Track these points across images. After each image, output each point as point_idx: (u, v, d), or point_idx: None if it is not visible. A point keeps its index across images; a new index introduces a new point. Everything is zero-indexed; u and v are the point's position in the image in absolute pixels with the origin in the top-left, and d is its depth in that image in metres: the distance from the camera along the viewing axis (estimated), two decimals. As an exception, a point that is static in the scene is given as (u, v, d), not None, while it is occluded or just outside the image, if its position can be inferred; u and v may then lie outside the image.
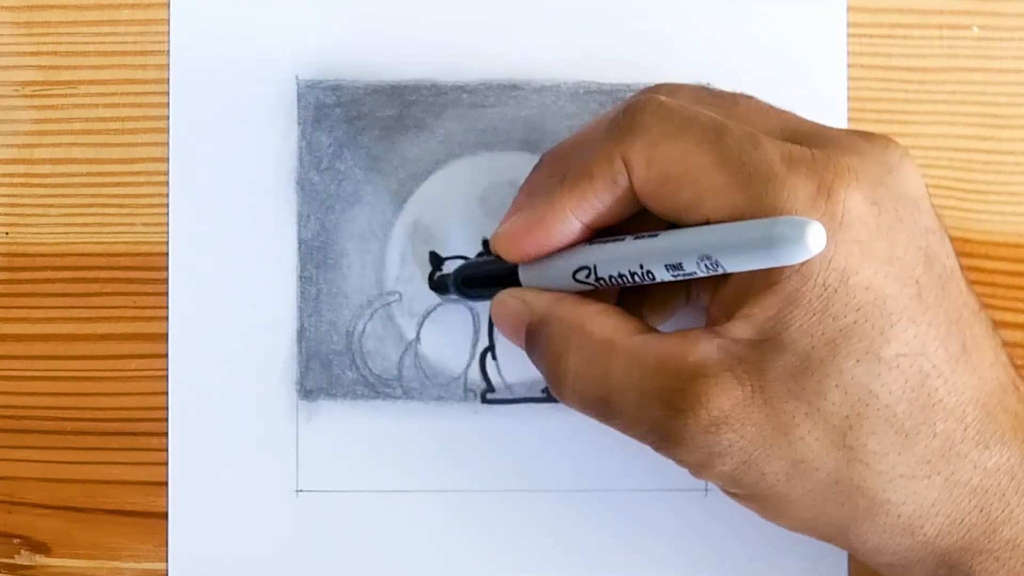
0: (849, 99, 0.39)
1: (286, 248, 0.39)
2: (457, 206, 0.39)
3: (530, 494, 0.39)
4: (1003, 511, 0.30)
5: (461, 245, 0.39)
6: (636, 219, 0.33)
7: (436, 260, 0.39)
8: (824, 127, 0.32)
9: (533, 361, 0.34)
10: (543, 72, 0.39)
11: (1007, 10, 0.39)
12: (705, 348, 0.30)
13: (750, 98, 0.33)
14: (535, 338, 0.34)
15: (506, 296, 0.35)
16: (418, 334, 0.39)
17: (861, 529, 0.31)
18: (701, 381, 0.30)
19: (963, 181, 0.39)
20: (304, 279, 0.39)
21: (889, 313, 0.29)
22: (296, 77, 0.39)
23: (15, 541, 0.39)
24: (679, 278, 0.31)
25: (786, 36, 0.39)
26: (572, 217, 0.33)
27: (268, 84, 0.39)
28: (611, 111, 0.33)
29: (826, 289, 0.29)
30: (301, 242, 0.39)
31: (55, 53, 0.39)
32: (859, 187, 0.29)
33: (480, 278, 0.37)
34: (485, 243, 0.39)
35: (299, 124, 0.39)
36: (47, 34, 0.39)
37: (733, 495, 0.32)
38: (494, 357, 0.39)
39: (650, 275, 0.31)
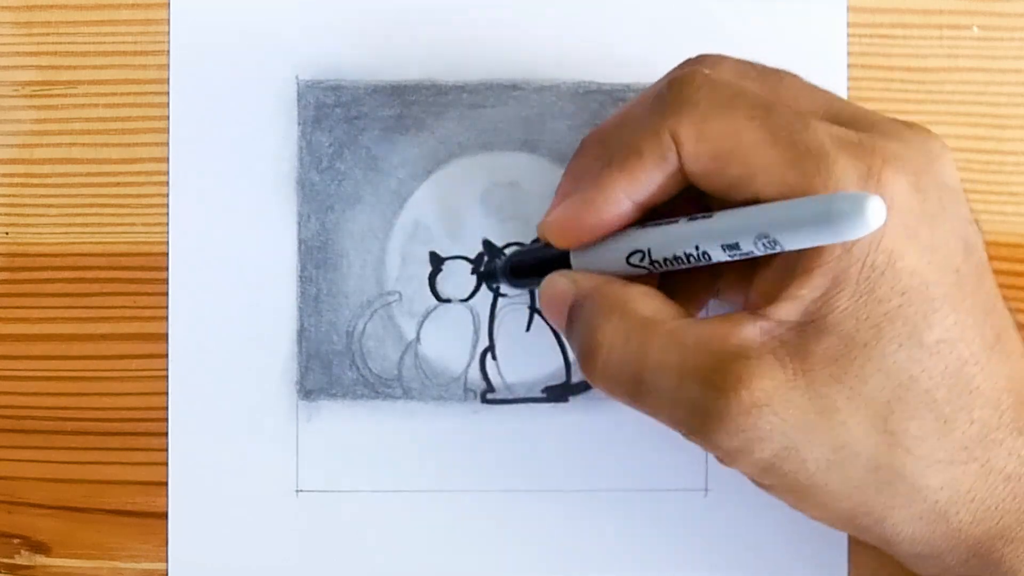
0: (849, 99, 0.39)
1: (286, 248, 0.39)
2: (457, 206, 0.39)
3: (530, 494, 0.39)
4: None
5: (461, 245, 0.39)
6: (682, 198, 0.33)
7: (436, 260, 0.39)
8: (867, 111, 0.32)
9: (568, 340, 0.33)
10: (543, 72, 0.39)
11: (1007, 10, 0.39)
12: (748, 330, 0.30)
13: (795, 76, 0.33)
14: (576, 314, 0.33)
15: (556, 276, 0.34)
16: (418, 334, 0.39)
17: (898, 518, 0.31)
18: (743, 362, 0.29)
19: (963, 181, 0.39)
20: (304, 279, 0.39)
21: (932, 299, 0.29)
22: (296, 77, 0.39)
23: (15, 541, 0.39)
24: (735, 258, 0.30)
25: (786, 36, 0.39)
26: (623, 197, 0.32)
27: (268, 84, 0.39)
28: (654, 86, 0.33)
29: (873, 271, 0.29)
30: (301, 242, 0.39)
31: (55, 53, 0.39)
32: (905, 173, 0.30)
33: (531, 265, 0.36)
34: (485, 243, 0.39)
35: (299, 124, 0.39)
36: (47, 34, 0.39)
37: (767, 487, 0.32)
38: (494, 357, 0.39)
39: (706, 256, 0.31)
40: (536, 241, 0.37)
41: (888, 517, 0.31)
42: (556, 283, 0.34)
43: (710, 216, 0.31)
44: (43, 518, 0.39)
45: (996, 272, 0.32)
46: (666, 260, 0.32)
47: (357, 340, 0.39)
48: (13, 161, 0.39)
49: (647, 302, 0.32)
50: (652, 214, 0.33)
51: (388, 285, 0.39)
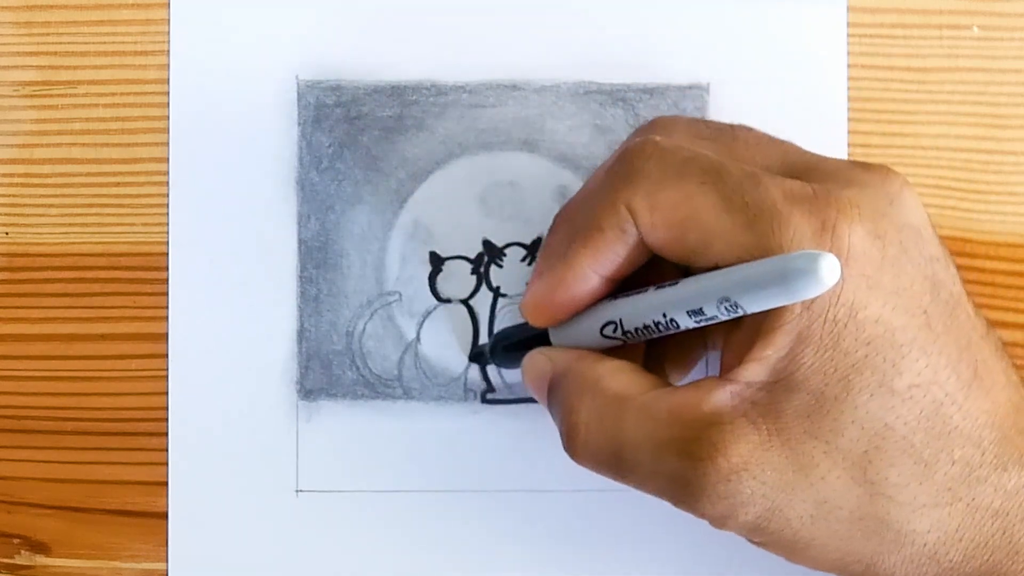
0: (849, 99, 0.39)
1: (286, 248, 0.39)
2: (457, 206, 0.39)
3: (530, 494, 0.39)
4: None
5: (461, 245, 0.39)
6: (655, 266, 0.33)
7: (436, 260, 0.39)
8: (823, 158, 0.32)
9: (552, 417, 0.34)
10: (543, 72, 0.39)
11: (1007, 10, 0.39)
12: (718, 395, 0.30)
13: (749, 129, 0.33)
14: (553, 393, 0.33)
15: (534, 354, 0.35)
16: (418, 334, 0.39)
17: (888, 562, 0.31)
18: (716, 428, 0.30)
19: (963, 181, 0.39)
20: (304, 279, 0.39)
21: (899, 345, 0.29)
22: (296, 77, 0.39)
23: (15, 541, 0.39)
24: (702, 323, 0.30)
25: (786, 36, 0.39)
26: (591, 273, 0.32)
27: (268, 84, 0.39)
28: (610, 158, 0.33)
29: (836, 325, 0.29)
30: (301, 242, 0.39)
31: (55, 53, 0.39)
32: (862, 221, 0.30)
33: (516, 344, 0.36)
34: (485, 243, 0.39)
35: (299, 124, 0.39)
36: (47, 34, 0.39)
37: (758, 544, 0.32)
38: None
39: (674, 323, 0.31)
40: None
41: (878, 563, 0.31)
42: (535, 361, 0.34)
43: (675, 284, 0.31)
44: (43, 518, 0.39)
45: (996, 272, 0.32)
46: (637, 330, 0.32)
47: (357, 340, 0.39)
48: (13, 161, 0.39)
49: (619, 377, 0.32)
50: (627, 284, 0.33)
51: (388, 285, 0.39)
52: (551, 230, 0.36)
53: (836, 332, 0.29)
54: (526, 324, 0.35)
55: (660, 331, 0.32)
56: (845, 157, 0.39)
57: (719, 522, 0.31)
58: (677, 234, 0.31)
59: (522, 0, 0.39)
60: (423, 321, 0.39)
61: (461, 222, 0.39)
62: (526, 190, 0.39)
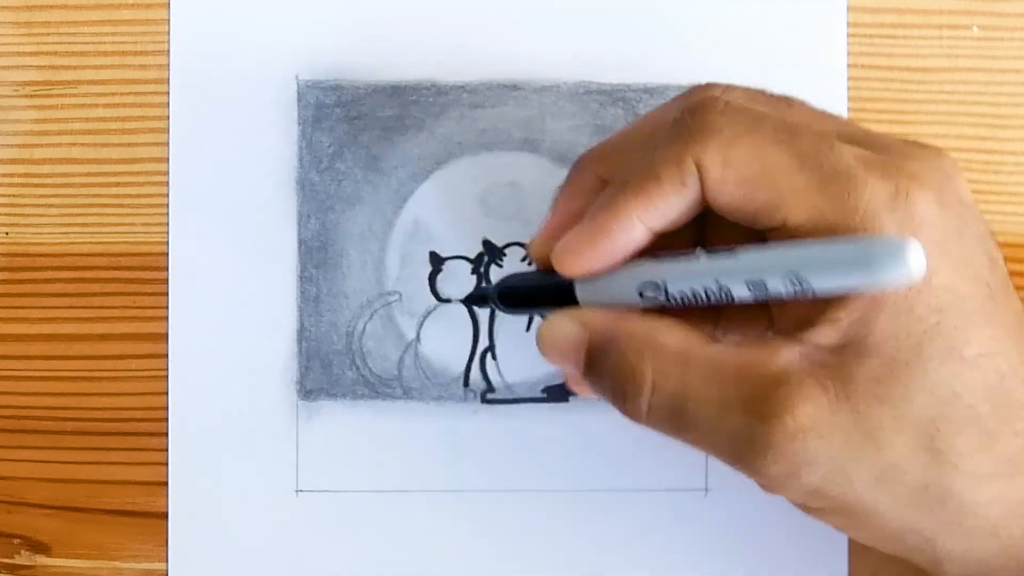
0: (849, 99, 0.39)
1: (286, 248, 0.39)
2: (457, 206, 0.39)
3: (530, 494, 0.39)
4: None
5: (461, 245, 0.39)
6: (694, 224, 0.32)
7: (436, 260, 0.39)
8: (878, 133, 0.32)
9: (593, 384, 0.32)
10: (543, 72, 0.39)
11: (1007, 10, 0.39)
12: (787, 355, 0.29)
13: (802, 101, 0.33)
14: (601, 359, 0.32)
15: (560, 319, 0.32)
16: (418, 334, 0.39)
17: (948, 536, 0.30)
18: (785, 388, 0.29)
19: (963, 181, 0.39)
20: (304, 279, 0.39)
21: (968, 313, 0.29)
22: (296, 77, 0.39)
23: (15, 541, 0.39)
24: (759, 298, 0.30)
25: (786, 36, 0.39)
26: (639, 223, 0.31)
27: (268, 84, 0.39)
28: (667, 110, 0.32)
29: (910, 290, 0.29)
30: (301, 242, 0.39)
31: (55, 53, 0.39)
32: (930, 191, 0.29)
33: (528, 294, 0.34)
34: (485, 243, 0.39)
35: (299, 124, 0.39)
36: (47, 34, 0.39)
37: (815, 511, 0.31)
38: (494, 357, 0.39)
39: (727, 294, 0.30)
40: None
41: (938, 536, 0.30)
42: (562, 328, 0.32)
43: (733, 252, 0.30)
44: (43, 518, 0.39)
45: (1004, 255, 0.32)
46: (683, 295, 0.31)
47: (357, 340, 0.39)
48: (13, 161, 0.39)
49: (676, 333, 0.31)
50: (667, 239, 0.32)
51: (388, 285, 0.39)
52: (577, 170, 0.35)
53: (911, 298, 0.29)
54: (540, 273, 0.33)
55: (708, 300, 0.30)
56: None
57: (779, 483, 0.30)
58: (747, 191, 0.30)
59: (522, 0, 0.39)
60: (423, 321, 0.39)
61: (461, 222, 0.39)
62: (526, 190, 0.39)
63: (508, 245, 0.39)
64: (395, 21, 0.39)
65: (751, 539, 0.38)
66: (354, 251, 0.39)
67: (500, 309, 0.35)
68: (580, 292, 0.32)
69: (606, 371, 0.32)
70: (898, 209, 0.29)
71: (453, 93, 0.39)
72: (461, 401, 0.39)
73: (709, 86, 0.33)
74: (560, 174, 0.38)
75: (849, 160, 0.29)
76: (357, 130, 0.39)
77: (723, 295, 0.30)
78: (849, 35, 0.39)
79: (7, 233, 0.39)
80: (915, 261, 0.26)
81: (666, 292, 0.31)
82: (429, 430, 0.39)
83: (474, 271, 0.39)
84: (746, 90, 0.33)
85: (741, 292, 0.30)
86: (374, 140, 0.39)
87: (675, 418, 0.31)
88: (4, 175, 0.39)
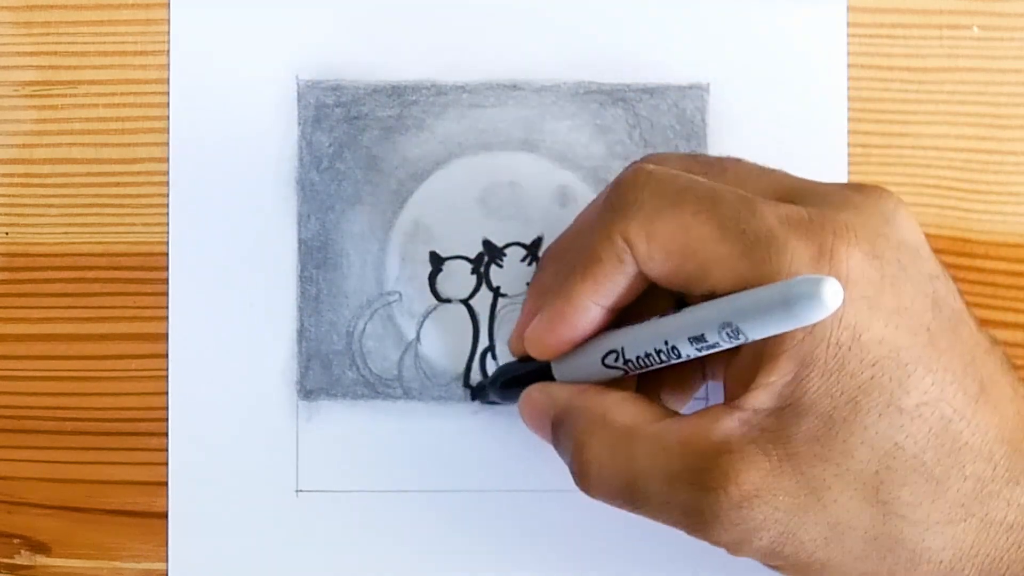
0: (849, 99, 0.39)
1: (286, 248, 0.39)
2: (457, 206, 0.39)
3: (530, 494, 0.39)
4: None
5: (461, 245, 0.39)
6: (654, 294, 0.33)
7: (436, 260, 0.39)
8: (815, 183, 0.32)
9: (560, 454, 0.34)
10: (543, 72, 0.39)
11: (1007, 10, 0.39)
12: (726, 423, 0.30)
13: (739, 161, 0.33)
14: (559, 430, 0.33)
15: (532, 391, 0.35)
16: (418, 334, 0.39)
17: None
18: (727, 457, 0.30)
19: (963, 181, 0.39)
20: (304, 279, 0.39)
21: (905, 364, 0.29)
22: (296, 77, 0.39)
23: (15, 541, 0.39)
24: (704, 351, 0.30)
25: (786, 36, 0.39)
26: (591, 304, 0.33)
27: (268, 84, 0.39)
28: (604, 190, 0.33)
29: (840, 348, 0.29)
30: (301, 242, 0.39)
31: (55, 53, 0.39)
32: (859, 243, 0.30)
33: (516, 379, 0.36)
34: (485, 243, 0.39)
35: (299, 124, 0.39)
36: (47, 34, 0.39)
37: (774, 567, 0.32)
38: (494, 357, 0.39)
39: (675, 351, 0.31)
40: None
41: None
42: (533, 398, 0.35)
43: (677, 312, 0.31)
44: (43, 518, 0.39)
45: (996, 272, 0.32)
46: (639, 359, 0.32)
47: (357, 340, 0.39)
48: (13, 161, 0.39)
49: (626, 409, 0.32)
50: (628, 315, 0.33)
51: (388, 285, 0.39)
52: (540, 268, 0.37)
53: (840, 355, 0.29)
54: (526, 360, 0.36)
55: (662, 360, 0.32)
56: (845, 157, 0.39)
57: (734, 548, 0.31)
58: (674, 263, 0.31)
59: (522, 0, 0.39)
60: (423, 321, 0.39)
61: (461, 222, 0.39)
62: (526, 190, 0.39)
63: (508, 245, 0.39)
64: (395, 21, 0.39)
65: (751, 539, 0.38)
66: (354, 251, 0.39)
67: (499, 397, 0.38)
68: (555, 370, 0.35)
69: (564, 444, 0.33)
70: (822, 268, 0.29)
71: (453, 93, 0.39)
72: (461, 401, 0.39)
73: (645, 159, 0.34)
74: (560, 174, 0.38)
75: (772, 223, 0.30)
76: (357, 130, 0.39)
77: (673, 353, 0.31)
78: (849, 35, 0.39)
79: (7, 233, 0.39)
80: (830, 296, 0.27)
81: (624, 357, 0.32)
82: (429, 430, 0.39)
83: (474, 271, 0.39)
84: (681, 158, 0.34)
85: (686, 349, 0.31)
86: (374, 140, 0.39)
87: (625, 493, 0.32)
88: (4, 175, 0.39)
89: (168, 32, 0.39)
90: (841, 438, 0.29)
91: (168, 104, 0.39)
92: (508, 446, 0.39)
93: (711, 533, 0.30)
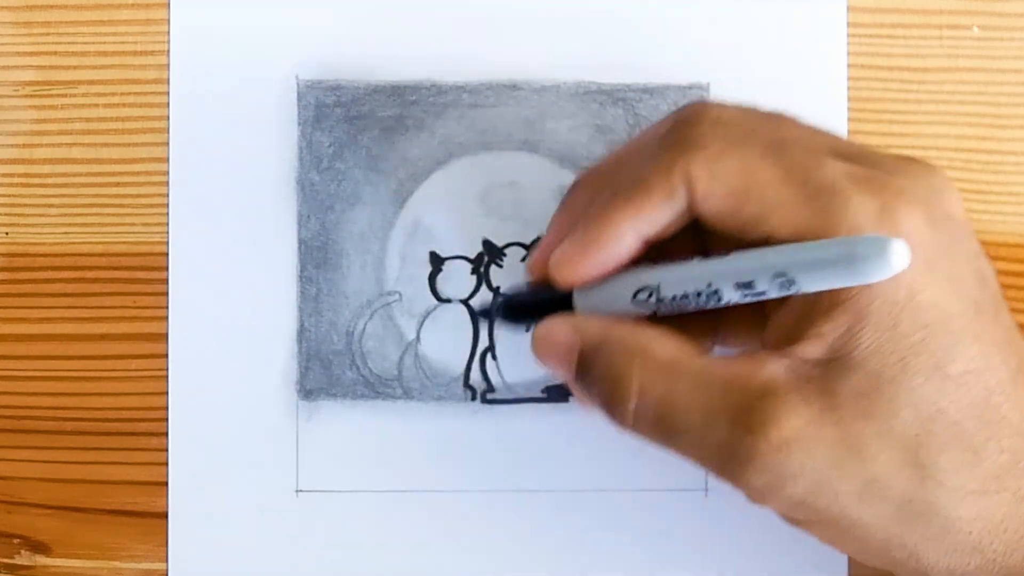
0: (849, 99, 0.39)
1: (286, 248, 0.39)
2: (457, 206, 0.39)
3: (530, 494, 0.39)
4: None
5: (461, 245, 0.39)
6: (678, 238, 0.33)
7: (436, 260, 0.39)
8: (869, 149, 0.32)
9: (583, 388, 0.33)
10: (543, 72, 0.39)
11: (1007, 10, 0.39)
12: (774, 368, 0.30)
13: (795, 119, 0.33)
14: (590, 364, 0.32)
15: (553, 323, 0.33)
16: (418, 334, 0.39)
17: (931, 551, 0.30)
18: (770, 400, 0.29)
19: (963, 181, 0.39)
20: (304, 279, 0.39)
21: (954, 331, 0.29)
22: (296, 77, 0.39)
23: (15, 541, 0.39)
24: (747, 299, 0.30)
25: (786, 36, 0.39)
26: (630, 232, 0.32)
27: (268, 84, 0.39)
28: (659, 126, 0.33)
29: (895, 306, 0.29)
30: (301, 242, 0.39)
31: (55, 53, 0.39)
32: (918, 207, 0.30)
33: (529, 306, 0.35)
34: (485, 243, 0.39)
35: (299, 124, 0.39)
36: (47, 34, 0.39)
37: (801, 523, 0.32)
38: (494, 357, 0.39)
39: (716, 296, 0.30)
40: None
41: (922, 551, 0.31)
42: (556, 331, 0.33)
43: (724, 255, 0.30)
44: (43, 518, 0.39)
45: (996, 272, 0.32)
46: (674, 298, 0.31)
47: (357, 340, 0.39)
48: (13, 161, 0.39)
49: (668, 343, 0.31)
50: (656, 257, 0.32)
51: (388, 285, 0.39)
52: (574, 189, 0.35)
53: (895, 313, 0.29)
54: (540, 286, 0.34)
55: (699, 302, 0.31)
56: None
57: (763, 494, 0.30)
58: (734, 204, 0.30)
59: (522, 0, 0.39)
60: (423, 321, 0.39)
61: (461, 222, 0.39)
62: (526, 190, 0.39)
63: (508, 245, 0.39)
64: (395, 21, 0.39)
65: (751, 539, 0.38)
66: (354, 251, 0.39)
67: (503, 322, 0.36)
68: (577, 301, 0.33)
69: (595, 376, 0.32)
70: (884, 226, 0.29)
71: (453, 93, 0.39)
72: (461, 401, 0.39)
73: (701, 102, 0.33)
74: (560, 174, 0.38)
75: (836, 175, 0.30)
76: (357, 130, 0.39)
77: (713, 297, 0.30)
78: (849, 35, 0.39)
79: (7, 233, 0.39)
80: (897, 256, 0.27)
81: (659, 296, 0.31)
82: (429, 430, 0.39)
83: (474, 271, 0.39)
84: (738, 107, 0.33)
85: (730, 294, 0.30)
86: (374, 140, 0.39)
87: (661, 426, 0.31)
88: (4, 175, 0.39)
89: (168, 32, 0.39)
90: (887, 397, 0.29)
91: (168, 104, 0.39)
92: (508, 446, 0.39)
93: (743, 474, 0.30)
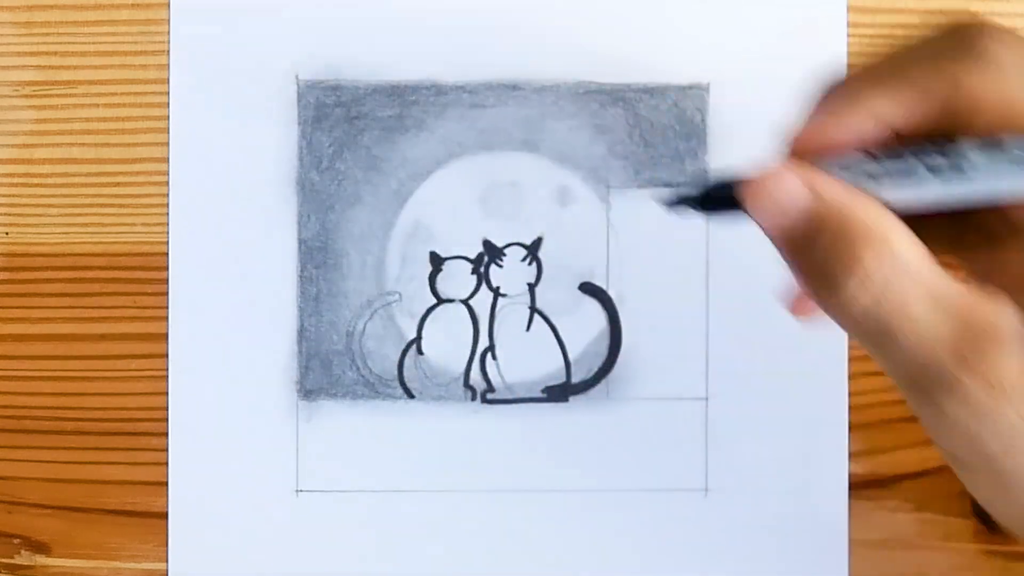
0: (849, 99, 0.39)
1: (286, 248, 0.39)
2: (457, 206, 0.39)
3: (530, 494, 0.39)
4: None
5: (461, 245, 0.39)
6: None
7: (436, 260, 0.39)
8: None
9: (796, 252, 0.30)
10: (543, 72, 0.39)
11: (1007, 10, 0.39)
12: (1008, 313, 0.29)
13: None
14: (819, 231, 0.30)
15: (786, 174, 0.30)
16: (418, 334, 0.39)
17: None
18: (996, 343, 0.28)
19: (963, 181, 0.39)
20: (304, 279, 0.39)
21: None
22: (296, 77, 0.39)
23: (15, 541, 0.39)
24: (991, 175, 0.28)
25: (786, 36, 0.39)
26: (879, 107, 0.30)
27: (268, 84, 0.39)
28: (936, 33, 0.31)
29: None
30: (301, 242, 0.39)
31: (55, 53, 0.39)
32: None
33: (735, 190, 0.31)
34: (485, 243, 0.39)
35: (299, 124, 0.39)
36: (47, 34, 0.39)
37: (963, 464, 0.30)
38: (494, 357, 0.39)
39: (960, 163, 0.29)
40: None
41: None
42: (788, 185, 0.30)
43: (1000, 143, 0.29)
44: (43, 518, 0.39)
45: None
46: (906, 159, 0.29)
47: (357, 340, 0.39)
48: (13, 161, 0.39)
49: (908, 242, 0.29)
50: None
51: (388, 285, 0.39)
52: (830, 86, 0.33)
53: None
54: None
55: (934, 169, 0.29)
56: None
57: (948, 425, 0.29)
58: (1005, 115, 0.29)
59: (522, 0, 0.39)
60: (423, 321, 0.39)
61: (461, 222, 0.39)
62: (526, 190, 0.39)
63: (508, 245, 0.39)
64: (395, 21, 0.39)
65: (751, 539, 0.38)
66: (354, 251, 0.39)
67: (700, 213, 0.32)
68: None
69: (824, 245, 0.30)
70: None
71: (453, 93, 0.39)
72: (461, 401, 0.39)
73: (977, 18, 0.31)
74: (560, 174, 0.38)
75: None
76: (357, 130, 0.39)
77: (959, 165, 0.29)
78: (849, 35, 0.39)
79: (7, 233, 0.39)
80: None
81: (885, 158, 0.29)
82: (429, 430, 0.39)
83: (474, 271, 0.39)
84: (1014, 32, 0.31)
85: (976, 157, 0.29)
86: (374, 140, 0.39)
87: (878, 326, 0.29)
88: (4, 175, 0.39)
89: (168, 32, 0.39)
90: None
91: (168, 104, 0.39)
92: (508, 446, 0.39)
93: (939, 399, 0.29)
